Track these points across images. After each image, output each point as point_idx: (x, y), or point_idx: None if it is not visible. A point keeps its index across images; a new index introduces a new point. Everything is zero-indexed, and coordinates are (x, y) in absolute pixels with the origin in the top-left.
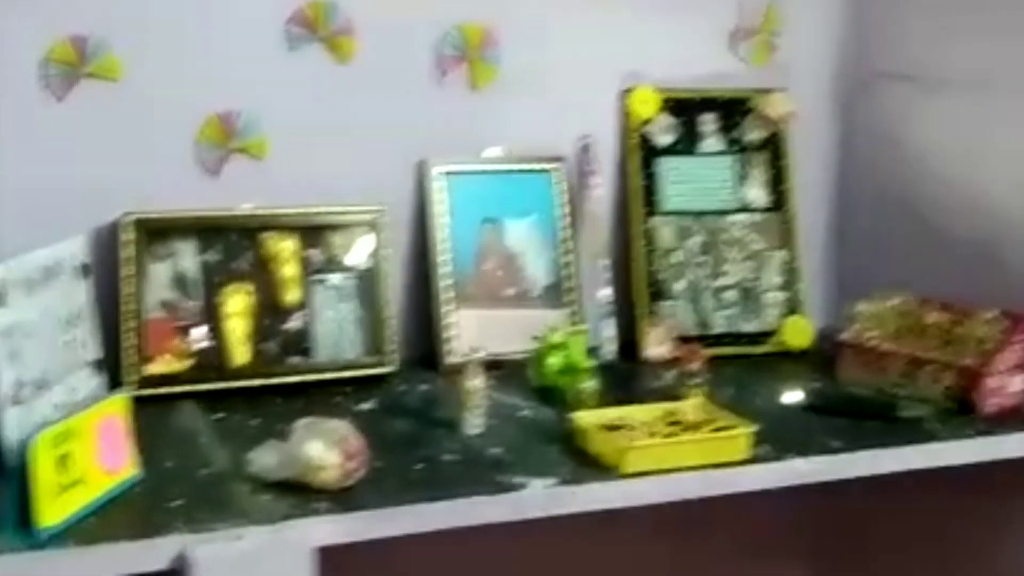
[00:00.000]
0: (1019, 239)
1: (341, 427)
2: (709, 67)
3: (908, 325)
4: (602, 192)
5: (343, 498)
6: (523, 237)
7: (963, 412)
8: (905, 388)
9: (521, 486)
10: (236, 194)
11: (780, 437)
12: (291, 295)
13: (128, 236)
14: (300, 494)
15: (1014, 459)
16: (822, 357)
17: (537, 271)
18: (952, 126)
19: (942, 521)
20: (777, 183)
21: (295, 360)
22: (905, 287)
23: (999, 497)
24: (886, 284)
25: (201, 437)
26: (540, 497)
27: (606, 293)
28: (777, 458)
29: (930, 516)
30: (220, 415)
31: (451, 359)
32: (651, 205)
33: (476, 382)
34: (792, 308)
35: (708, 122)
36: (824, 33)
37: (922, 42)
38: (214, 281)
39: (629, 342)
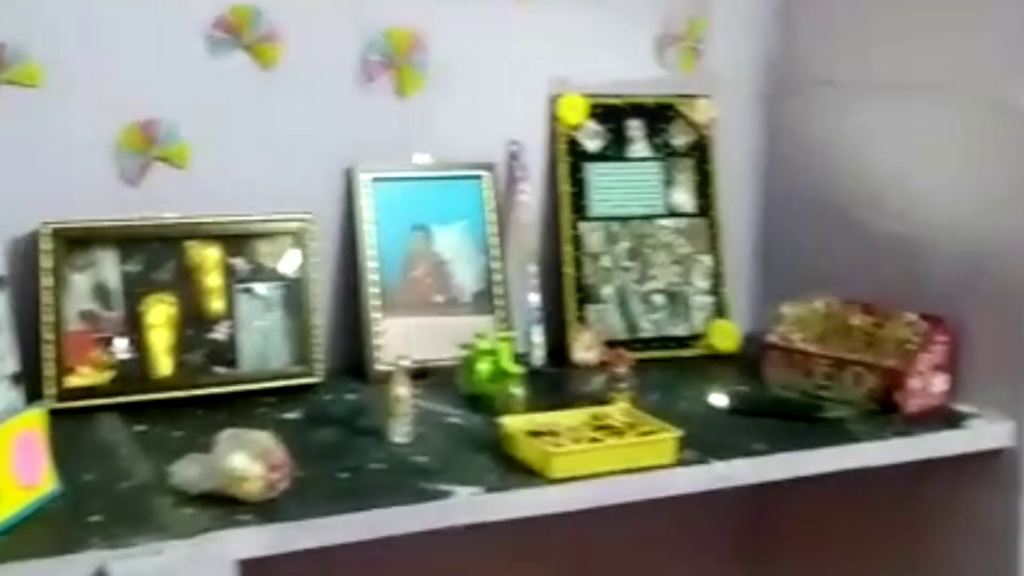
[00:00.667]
0: (940, 241)
1: (264, 438)
2: (636, 73)
3: (832, 327)
4: (531, 198)
5: (266, 510)
6: (452, 244)
7: (886, 413)
8: (829, 390)
9: (447, 494)
10: (158, 203)
11: (705, 441)
12: (215, 305)
13: (47, 246)
14: (223, 507)
15: (936, 459)
16: (748, 360)
17: (466, 278)
18: (875, 130)
19: (868, 521)
20: (703, 188)
21: (220, 371)
22: (830, 290)
23: (922, 497)
24: (811, 287)
25: (122, 450)
26: (466, 505)
27: (535, 299)
28: (701, 461)
29: (856, 516)
30: (142, 427)
31: (379, 367)
32: (579, 211)
33: (403, 390)
34: (719, 312)
35: (635, 128)
36: (749, 40)
37: (845, 47)
38: (136, 292)
39: (558, 347)
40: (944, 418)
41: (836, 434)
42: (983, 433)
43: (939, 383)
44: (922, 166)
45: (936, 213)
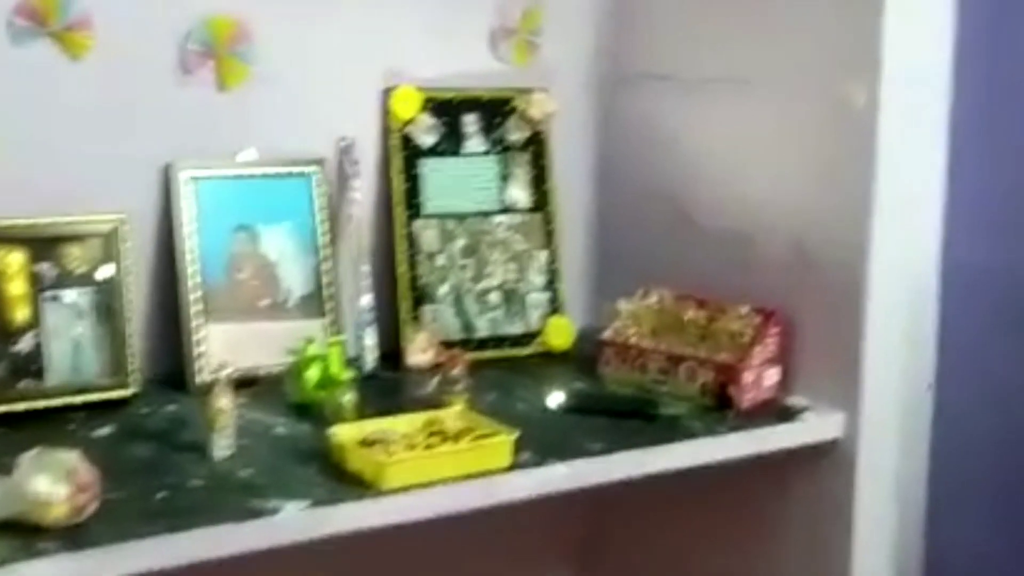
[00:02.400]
0: (771, 234)
1: (70, 457)
2: (471, 66)
3: (666, 322)
4: (362, 195)
5: (74, 535)
6: (279, 244)
7: (721, 408)
8: (664, 385)
9: (273, 510)
10: None
11: (541, 442)
12: (19, 314)
13: None
14: (25, 534)
15: (770, 452)
16: (584, 357)
17: (294, 280)
18: (709, 125)
19: (704, 518)
20: (539, 183)
21: (24, 385)
22: (666, 284)
23: (757, 492)
24: (647, 282)
25: None
26: (293, 521)
27: (367, 300)
28: (538, 464)
29: (693, 513)
30: None
31: (201, 377)
32: (413, 208)
33: (224, 401)
34: (554, 309)
35: (471, 123)
36: (584, 33)
37: (680, 42)
38: None
39: (393, 351)
40: (777, 412)
41: (673, 431)
42: (814, 425)
43: (771, 376)
44: (752, 159)
45: (766, 206)
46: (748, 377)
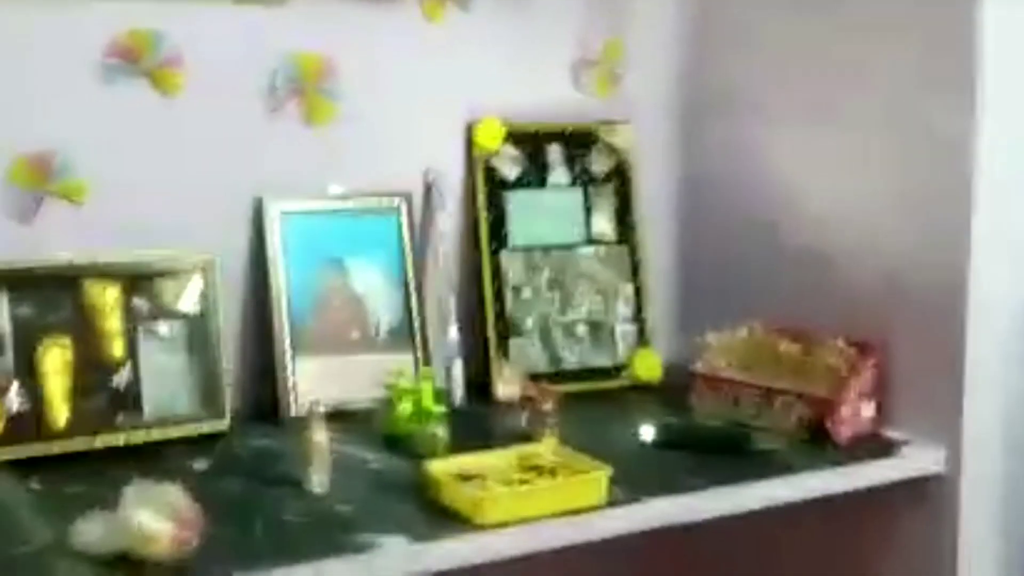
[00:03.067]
0: (864, 264)
1: (172, 492)
2: (554, 99)
3: (759, 355)
4: (449, 228)
5: (178, 571)
6: (367, 278)
7: (817, 442)
8: (758, 419)
9: (373, 545)
10: (52, 241)
11: (635, 477)
12: (116, 348)
13: None
14: (130, 569)
15: (871, 487)
16: (672, 390)
17: (383, 313)
18: (796, 153)
19: (800, 554)
20: (623, 215)
21: (121, 419)
22: (753, 315)
23: (855, 526)
24: (734, 312)
25: (18, 509)
26: (394, 557)
27: (454, 333)
28: (634, 500)
29: (788, 549)
30: (39, 484)
31: (293, 411)
32: (499, 240)
33: (320, 436)
34: (642, 341)
35: (554, 154)
36: (666, 63)
37: (765, 69)
38: (29, 336)
39: (481, 383)
40: (876, 446)
41: (769, 465)
42: (914, 460)
43: (868, 410)
44: (842, 188)
45: (858, 235)
46: (846, 411)
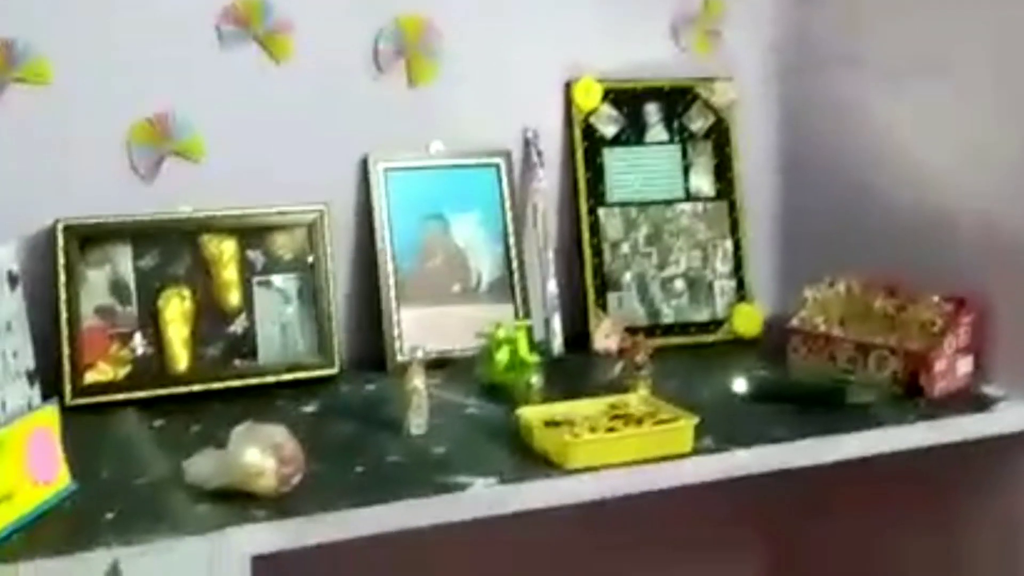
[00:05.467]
0: (964, 221)
1: (277, 432)
2: (652, 57)
3: (854, 310)
4: (547, 185)
5: (281, 505)
6: (468, 232)
7: (911, 396)
8: (853, 374)
9: (463, 486)
10: (172, 197)
11: (724, 428)
12: (232, 298)
13: (61, 243)
14: (237, 502)
15: (961, 442)
16: (771, 344)
17: (483, 266)
18: (899, 110)
19: (891, 507)
20: (722, 171)
21: (237, 364)
22: (852, 270)
23: (947, 481)
24: (833, 268)
25: (139, 446)
26: (481, 497)
27: (553, 286)
28: (720, 449)
29: (879, 503)
30: (160, 423)
31: (397, 358)
32: (597, 196)
33: (418, 382)
34: (741, 296)
35: (652, 112)
36: (766, 19)
37: (869, 26)
38: (152, 287)
39: (578, 335)
40: (970, 401)
41: (860, 419)
42: (1009, 416)
43: (964, 365)
44: (945, 145)
45: (959, 192)
46: (940, 366)
